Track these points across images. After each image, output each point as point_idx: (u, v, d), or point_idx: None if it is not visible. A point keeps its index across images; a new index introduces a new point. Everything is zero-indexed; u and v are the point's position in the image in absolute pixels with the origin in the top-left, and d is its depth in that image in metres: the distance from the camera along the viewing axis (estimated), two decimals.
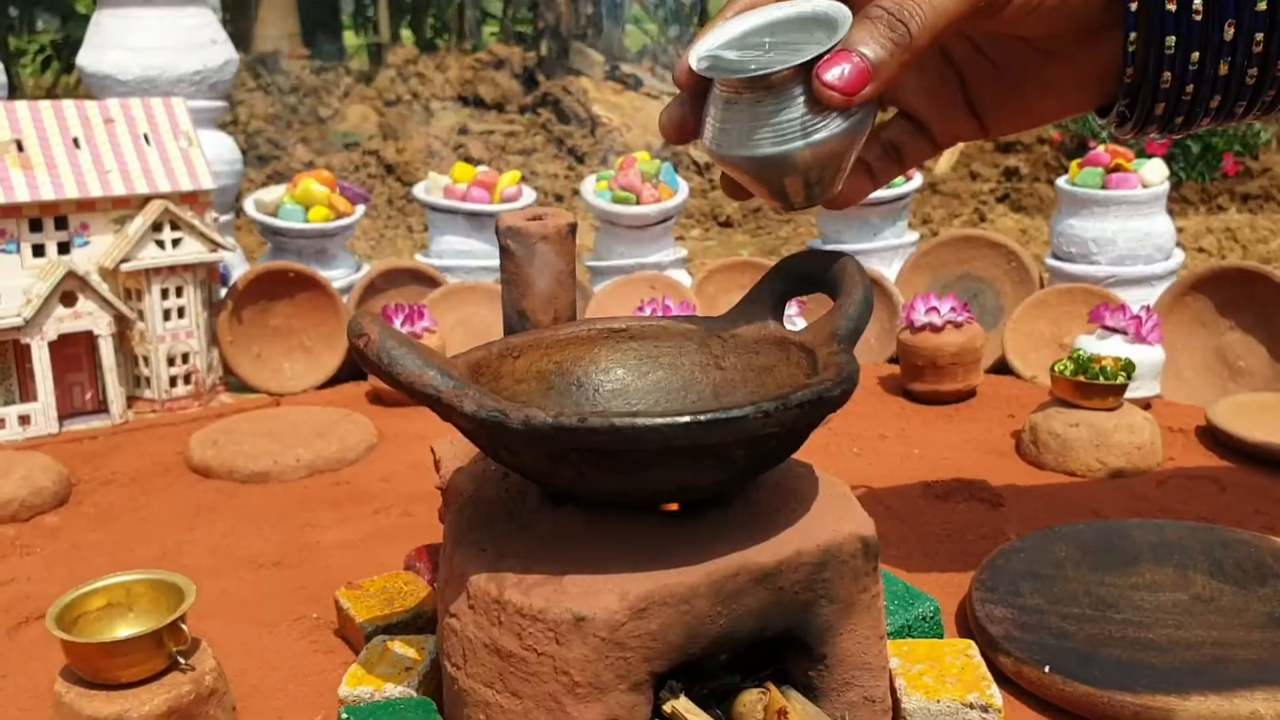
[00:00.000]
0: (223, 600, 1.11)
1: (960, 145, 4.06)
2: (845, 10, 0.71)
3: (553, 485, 0.79)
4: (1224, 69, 0.76)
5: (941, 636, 0.95)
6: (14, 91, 5.24)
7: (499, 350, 0.88)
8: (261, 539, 1.24)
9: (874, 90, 0.69)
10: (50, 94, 4.89)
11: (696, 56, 0.74)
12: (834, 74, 0.68)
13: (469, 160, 3.68)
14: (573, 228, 0.93)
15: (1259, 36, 0.75)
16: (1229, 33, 0.75)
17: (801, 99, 0.70)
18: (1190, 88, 0.77)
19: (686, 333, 0.93)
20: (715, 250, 3.05)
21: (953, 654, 0.89)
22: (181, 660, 0.86)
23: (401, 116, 4.50)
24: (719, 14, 0.78)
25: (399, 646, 0.92)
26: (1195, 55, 0.76)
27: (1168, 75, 0.77)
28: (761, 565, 0.76)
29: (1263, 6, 0.74)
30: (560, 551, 0.77)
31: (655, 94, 4.46)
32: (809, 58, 0.69)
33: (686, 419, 0.68)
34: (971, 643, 0.90)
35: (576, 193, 3.64)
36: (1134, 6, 0.75)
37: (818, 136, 0.71)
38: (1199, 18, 0.74)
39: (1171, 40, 0.75)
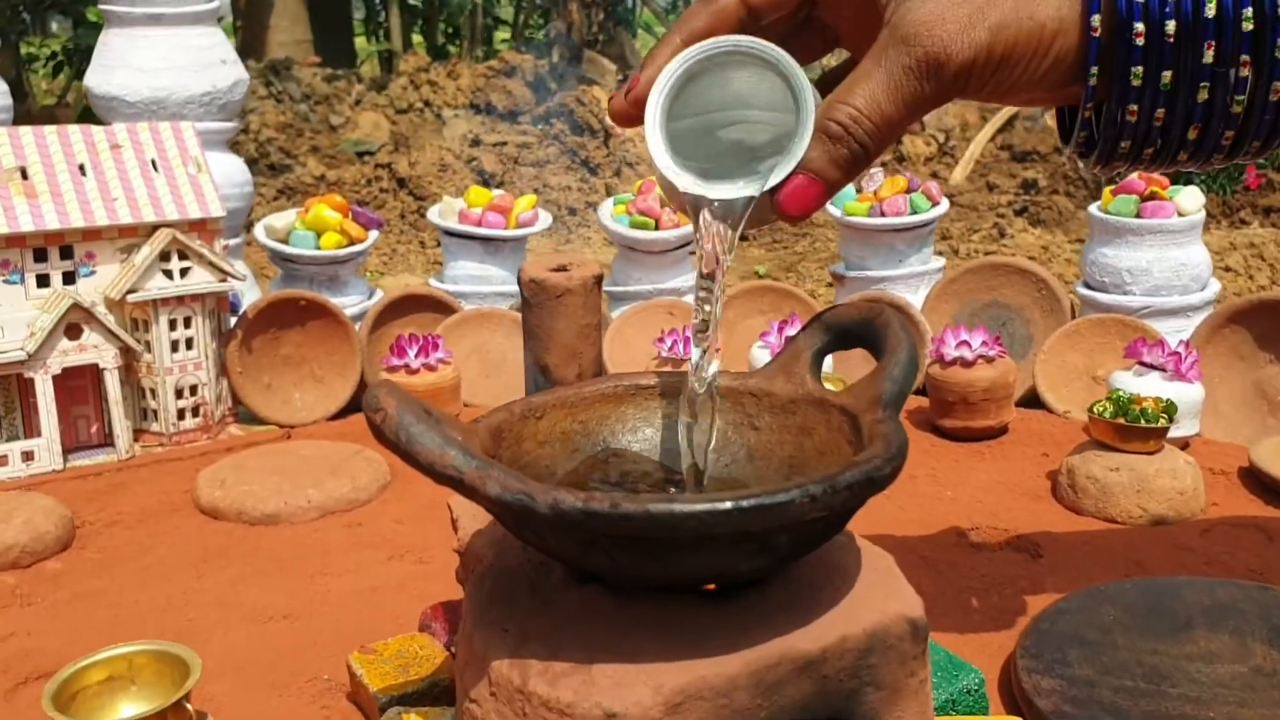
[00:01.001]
0: (231, 658, 1.06)
1: (976, 154, 4.02)
2: (778, 51, 0.70)
3: (581, 568, 0.74)
4: (1203, 95, 0.70)
5: (987, 711, 0.90)
6: (25, 98, 5.21)
7: (520, 411, 0.84)
8: (271, 588, 1.19)
9: (823, 202, 0.74)
10: (61, 100, 4.87)
11: (658, 138, 0.74)
12: (793, 199, 0.72)
13: (481, 174, 3.63)
14: (599, 280, 0.89)
15: (1245, 58, 0.69)
16: (1208, 54, 0.69)
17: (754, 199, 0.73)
18: (1161, 112, 0.71)
19: (719, 390, 0.88)
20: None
21: None
22: None
23: (413, 124, 4.46)
24: (651, 55, 0.76)
25: (414, 719, 0.88)
26: (1167, 76, 0.70)
27: (1134, 108, 0.71)
28: (805, 653, 0.71)
29: (1249, 26, 0.68)
30: (588, 635, 0.72)
31: None
32: (771, 185, 0.71)
33: (728, 505, 0.64)
34: None
35: (590, 206, 3.59)
36: (1096, 34, 0.70)
37: (756, 215, 0.74)
38: (1172, 41, 0.68)
39: (1139, 70, 0.69)
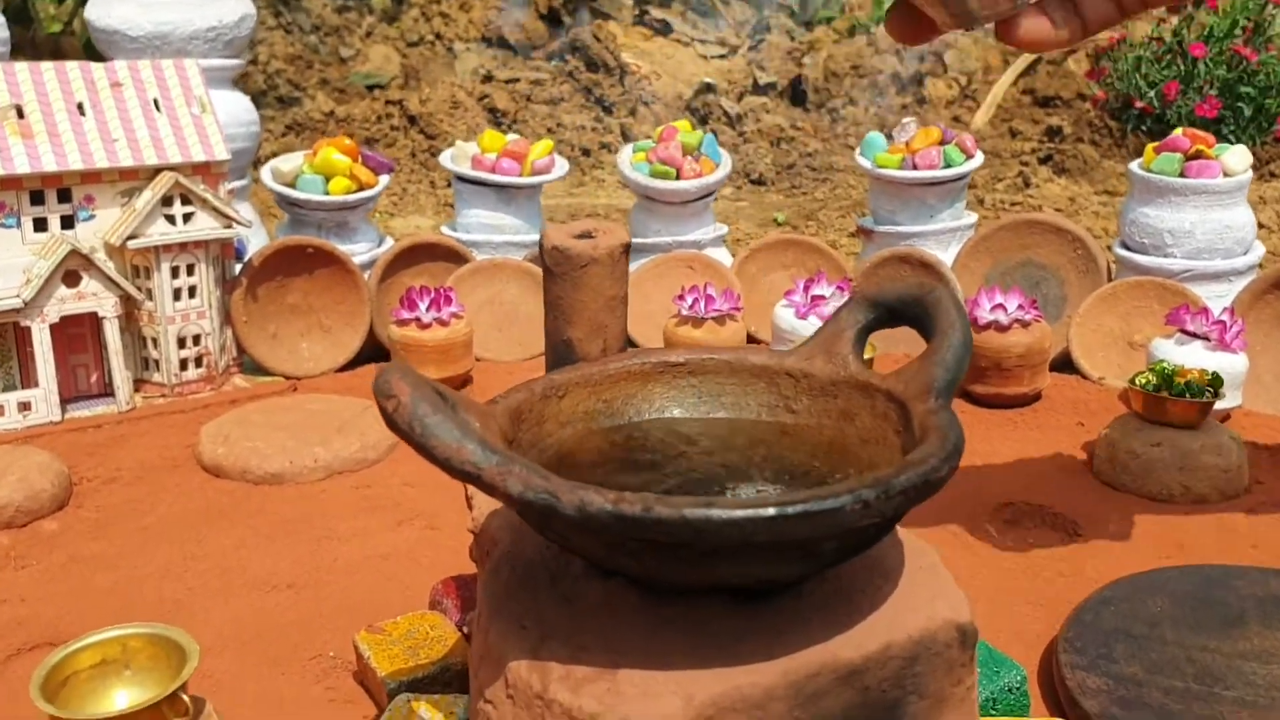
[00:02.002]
0: (232, 631, 1.01)
1: (999, 98, 3.93)
2: None
3: (607, 568, 0.68)
4: None
5: (1028, 709, 0.85)
6: (31, 23, 5.10)
7: (542, 390, 0.78)
8: (275, 554, 1.15)
9: None
10: (68, 26, 4.78)
11: None
12: None
13: (494, 113, 3.54)
14: (626, 248, 0.83)
15: None
16: None
17: None
18: None
19: (753, 369, 0.82)
20: (748, 211, 2.93)
21: None
22: None
23: (424, 58, 4.36)
24: None
25: (425, 709, 0.83)
26: None
27: None
28: (847, 662, 0.66)
29: None
30: (612, 634, 0.67)
31: (685, 40, 4.31)
32: None
33: (771, 512, 0.58)
34: None
35: (605, 147, 3.51)
36: None
37: None
38: None
39: None
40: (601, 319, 0.82)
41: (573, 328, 0.82)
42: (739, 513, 0.58)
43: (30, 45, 3.91)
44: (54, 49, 4.02)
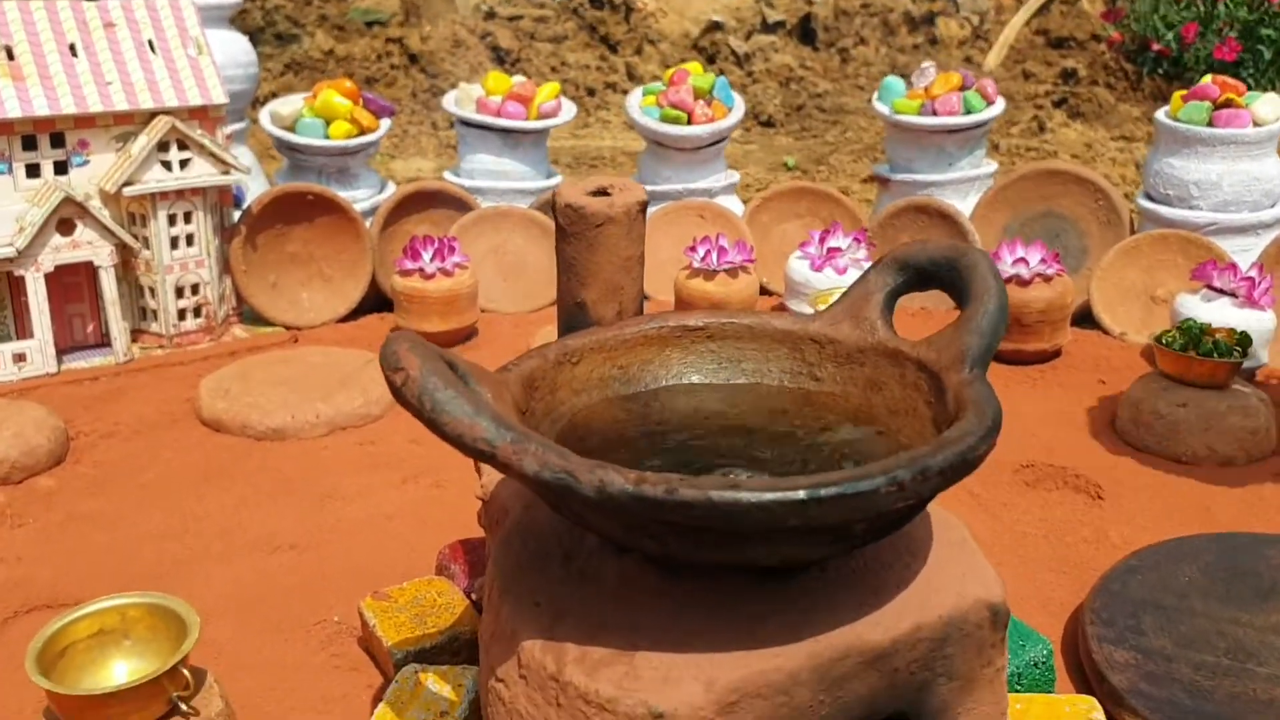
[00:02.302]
0: (234, 594, 0.99)
1: (1011, 39, 3.85)
2: None
3: (628, 547, 0.65)
4: None
5: (1053, 684, 0.83)
6: None
7: (555, 356, 0.75)
8: (278, 513, 1.12)
9: None
10: None
11: None
12: None
13: (496, 51, 3.47)
14: (643, 206, 0.79)
15: None
16: None
17: None
18: None
19: (775, 334, 0.79)
20: (757, 155, 2.87)
21: (1074, 715, 0.77)
22: (183, 706, 0.74)
23: None
24: None
25: (433, 682, 0.80)
26: None
27: None
28: (874, 645, 0.63)
29: None
30: (630, 613, 0.64)
31: None
32: None
33: (802, 495, 0.55)
34: (1094, 702, 0.78)
35: (610, 86, 3.44)
36: None
37: None
38: None
39: None
40: (617, 280, 0.79)
41: (587, 290, 0.79)
42: (769, 495, 0.55)
43: None
44: None
